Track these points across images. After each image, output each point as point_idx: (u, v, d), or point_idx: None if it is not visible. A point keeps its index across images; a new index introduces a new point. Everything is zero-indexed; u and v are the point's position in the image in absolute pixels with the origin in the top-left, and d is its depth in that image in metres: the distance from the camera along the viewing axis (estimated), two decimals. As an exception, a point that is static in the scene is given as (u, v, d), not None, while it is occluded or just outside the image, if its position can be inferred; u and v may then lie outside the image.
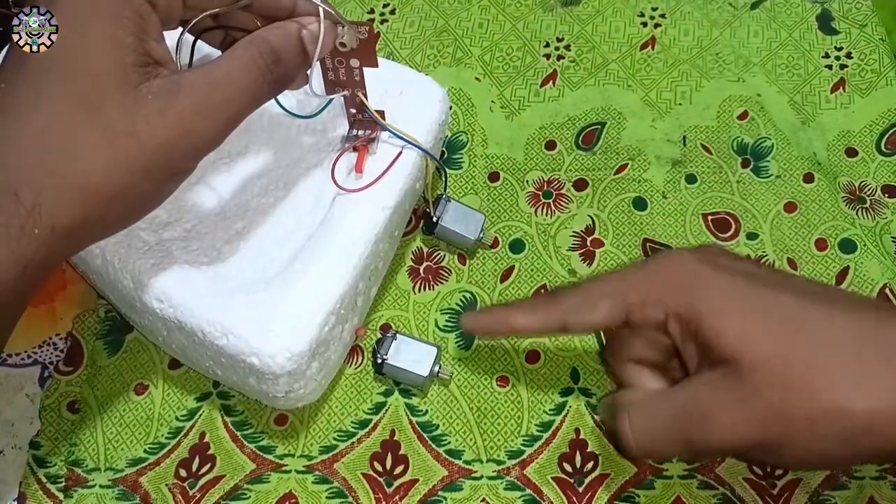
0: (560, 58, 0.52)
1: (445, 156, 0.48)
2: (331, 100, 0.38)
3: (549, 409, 0.40)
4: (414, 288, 0.44)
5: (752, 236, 0.45)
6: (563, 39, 0.53)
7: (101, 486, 0.39)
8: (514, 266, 0.45)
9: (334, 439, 0.40)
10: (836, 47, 0.52)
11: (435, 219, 0.43)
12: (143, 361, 0.42)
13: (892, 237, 0.44)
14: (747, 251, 0.44)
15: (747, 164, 0.47)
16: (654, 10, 0.54)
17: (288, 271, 0.36)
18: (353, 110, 0.39)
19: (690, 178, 0.47)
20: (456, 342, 0.42)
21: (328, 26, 0.33)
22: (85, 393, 0.42)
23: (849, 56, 0.51)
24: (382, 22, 0.54)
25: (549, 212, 0.46)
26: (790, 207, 0.46)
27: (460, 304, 0.43)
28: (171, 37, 0.32)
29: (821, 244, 0.45)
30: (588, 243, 0.45)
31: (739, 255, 0.36)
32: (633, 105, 0.50)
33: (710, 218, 0.46)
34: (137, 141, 0.28)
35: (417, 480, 0.39)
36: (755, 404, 0.30)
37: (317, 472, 0.39)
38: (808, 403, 0.29)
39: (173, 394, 0.41)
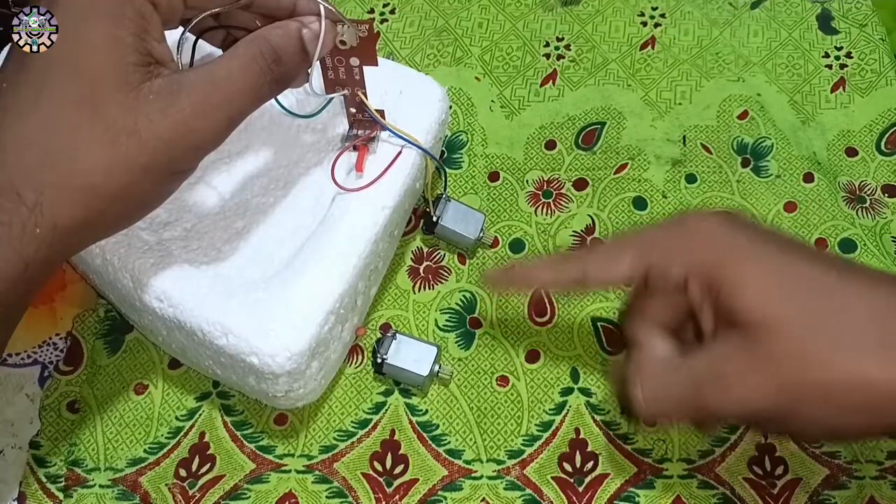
0: (560, 57, 0.52)
1: (445, 155, 0.48)
2: (330, 99, 0.38)
3: (549, 409, 0.40)
4: (414, 288, 0.44)
5: (752, 236, 0.45)
6: (563, 39, 0.53)
7: (100, 486, 0.39)
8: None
9: (334, 439, 0.40)
10: (836, 47, 0.52)
11: (435, 218, 0.43)
12: (143, 361, 0.42)
13: (892, 237, 0.44)
14: (747, 251, 0.44)
15: (747, 164, 0.47)
16: (654, 9, 0.54)
17: (288, 271, 0.36)
18: (353, 109, 0.39)
19: (690, 178, 0.47)
20: (456, 342, 0.42)
21: (328, 25, 0.33)
22: (85, 393, 0.42)
23: (849, 56, 0.51)
24: (382, 21, 0.54)
25: (549, 211, 0.46)
26: (790, 207, 0.46)
27: (460, 303, 0.43)
28: (171, 36, 0.32)
29: (821, 244, 0.45)
30: (588, 243, 0.45)
31: (762, 223, 0.35)
32: (633, 105, 0.50)
33: (710, 217, 0.46)
34: (139, 140, 0.28)
35: (417, 480, 0.39)
36: (772, 370, 0.29)
37: (317, 472, 0.39)
38: (826, 372, 0.28)
39: (173, 394, 0.41)
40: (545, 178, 0.47)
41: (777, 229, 0.34)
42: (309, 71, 0.35)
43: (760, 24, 0.53)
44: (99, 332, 0.43)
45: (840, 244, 0.44)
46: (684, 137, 0.49)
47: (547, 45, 0.53)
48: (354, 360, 0.42)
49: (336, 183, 0.38)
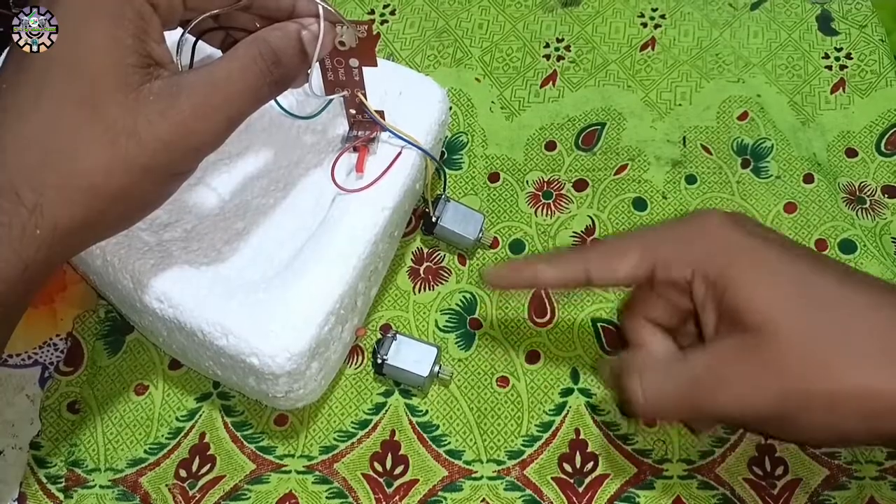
0: (560, 58, 0.52)
1: (445, 156, 0.48)
2: (330, 100, 0.38)
3: (549, 410, 0.40)
4: (414, 288, 0.44)
5: (751, 237, 0.45)
6: (563, 40, 0.53)
7: (101, 487, 0.39)
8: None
9: (334, 439, 0.40)
10: (835, 48, 0.52)
11: (434, 219, 0.43)
12: (144, 362, 0.42)
13: (892, 237, 0.44)
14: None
15: (747, 165, 0.47)
16: (653, 10, 0.54)
17: (288, 271, 0.37)
18: (353, 111, 0.39)
19: (690, 179, 0.47)
20: (456, 342, 0.42)
21: (327, 26, 0.33)
22: (85, 393, 0.42)
23: (848, 57, 0.51)
24: (382, 23, 0.54)
25: (549, 212, 0.46)
26: (790, 208, 0.46)
27: (460, 304, 0.43)
28: (171, 37, 0.32)
29: (821, 245, 0.45)
30: (588, 243, 0.45)
31: (770, 228, 0.35)
32: (633, 106, 0.50)
33: (709, 218, 0.46)
34: (138, 141, 0.28)
35: (417, 481, 0.39)
36: (775, 374, 0.29)
37: (317, 473, 0.39)
38: (830, 381, 0.29)
39: (173, 394, 0.41)
40: (545, 179, 0.47)
41: (782, 234, 0.34)
42: (308, 72, 0.35)
43: (760, 26, 0.53)
44: (99, 333, 0.43)
45: (840, 245, 0.44)
46: (684, 138, 0.49)
47: (547, 46, 0.53)
48: (354, 360, 0.42)
49: (336, 184, 0.38)
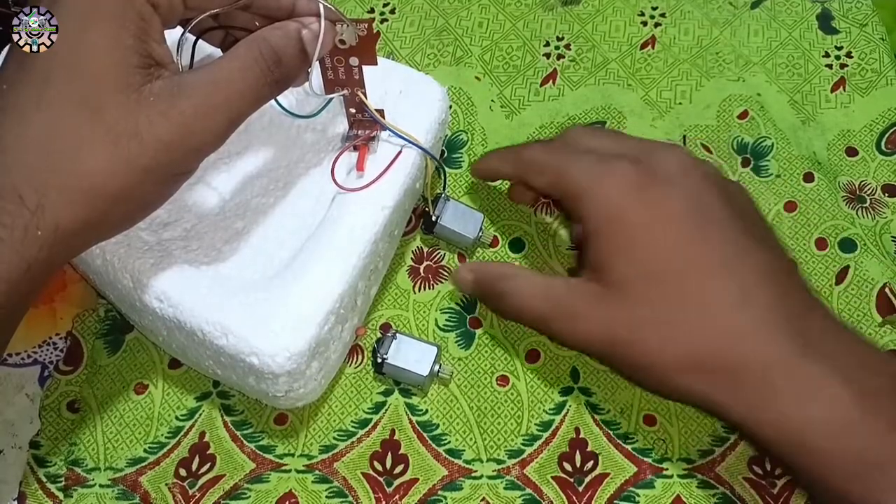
0: (560, 57, 0.52)
1: (445, 155, 0.48)
2: (330, 99, 0.38)
3: (549, 409, 0.40)
4: (414, 287, 0.44)
5: (752, 236, 0.45)
6: (563, 38, 0.53)
7: (100, 486, 0.39)
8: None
9: (334, 439, 0.40)
10: (836, 46, 0.52)
11: (434, 217, 0.43)
12: (143, 361, 0.42)
13: (893, 236, 0.44)
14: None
15: (747, 164, 0.47)
16: (654, 9, 0.54)
17: (288, 271, 0.36)
18: (353, 110, 0.39)
19: (690, 178, 0.47)
20: (456, 341, 0.42)
21: (328, 25, 0.33)
22: (85, 392, 0.42)
23: (849, 55, 0.51)
24: (382, 21, 0.54)
25: (550, 211, 0.46)
26: (790, 207, 0.46)
27: (460, 303, 0.43)
28: (171, 36, 0.32)
29: (821, 243, 0.44)
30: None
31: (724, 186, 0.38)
32: (634, 104, 0.50)
33: (710, 217, 0.46)
34: (140, 142, 0.28)
35: (417, 480, 0.39)
36: (614, 324, 0.35)
37: (317, 472, 0.39)
38: (638, 342, 0.35)
39: (173, 393, 0.41)
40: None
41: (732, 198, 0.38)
42: (309, 71, 0.35)
43: (760, 24, 0.53)
44: (99, 332, 0.43)
45: (840, 244, 0.44)
46: (684, 137, 0.49)
47: (547, 44, 0.53)
48: (354, 359, 0.42)
49: (336, 183, 0.38)
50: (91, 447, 0.40)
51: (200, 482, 0.39)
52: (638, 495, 0.38)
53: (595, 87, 0.51)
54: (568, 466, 0.39)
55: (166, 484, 0.39)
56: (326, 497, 0.39)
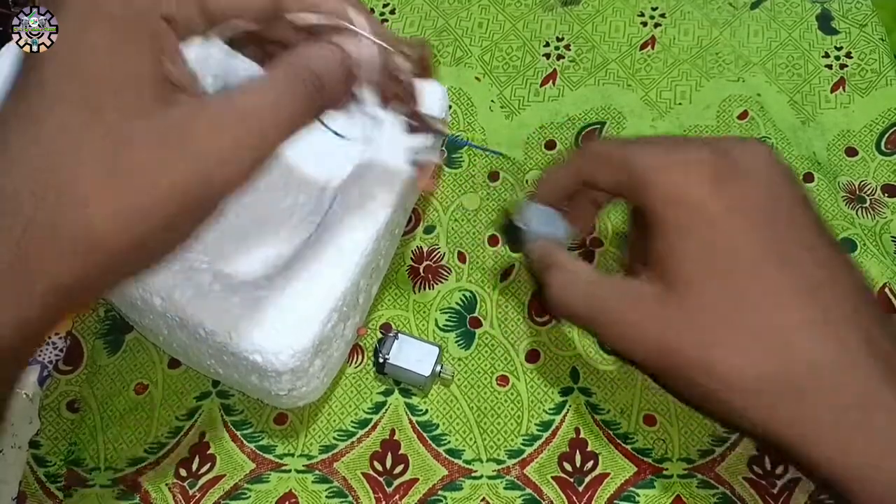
0: (560, 57, 0.52)
1: (446, 155, 0.48)
2: (380, 122, 0.34)
3: (549, 409, 0.40)
4: (414, 287, 0.44)
5: (751, 236, 0.45)
6: (562, 39, 0.53)
7: (100, 486, 0.39)
8: (514, 265, 0.44)
9: (334, 438, 0.40)
10: (836, 47, 0.52)
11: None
12: (143, 361, 0.42)
13: (892, 237, 0.44)
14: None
15: (747, 164, 0.47)
16: (653, 9, 0.54)
17: (290, 268, 0.37)
18: (409, 120, 0.35)
19: (690, 178, 0.47)
20: (456, 341, 0.42)
21: (378, 48, 0.29)
22: (84, 392, 0.41)
23: (849, 56, 0.51)
24: (382, 21, 0.54)
25: (549, 211, 0.46)
26: (790, 207, 0.46)
27: (460, 303, 0.43)
28: (198, 50, 0.28)
29: (821, 244, 0.44)
30: (587, 242, 0.45)
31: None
32: (633, 105, 0.50)
33: (709, 217, 0.46)
34: (152, 186, 0.24)
35: (417, 480, 0.39)
36: (662, 322, 0.31)
37: (317, 472, 0.39)
38: (693, 349, 0.30)
39: (173, 393, 0.41)
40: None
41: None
42: (355, 93, 0.30)
43: (760, 25, 0.53)
44: (99, 332, 0.43)
45: (840, 244, 0.44)
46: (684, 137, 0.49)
47: (547, 45, 0.53)
48: (354, 359, 0.42)
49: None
50: (91, 447, 0.40)
51: (200, 482, 0.39)
52: (638, 495, 0.38)
53: (595, 87, 0.51)
54: (568, 466, 0.39)
55: (166, 484, 0.39)
56: (326, 497, 0.39)
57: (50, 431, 0.41)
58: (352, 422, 0.40)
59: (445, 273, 0.44)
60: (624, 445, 0.39)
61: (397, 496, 0.38)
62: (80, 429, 0.41)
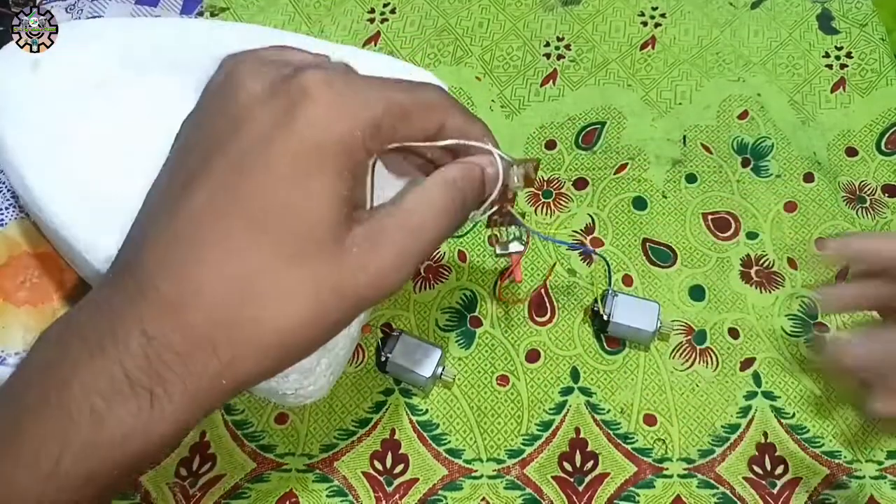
0: (560, 57, 0.52)
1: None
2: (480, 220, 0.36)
3: (549, 409, 0.41)
4: (414, 287, 0.44)
5: (752, 236, 0.45)
6: (563, 39, 0.53)
7: (101, 485, 0.39)
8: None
9: (334, 438, 0.40)
10: (836, 47, 0.52)
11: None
12: (144, 360, 0.42)
13: (892, 237, 0.44)
14: (747, 250, 0.44)
15: (747, 164, 0.47)
16: (654, 9, 0.54)
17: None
18: (496, 217, 0.37)
19: (690, 178, 0.47)
20: (456, 341, 0.42)
21: (504, 167, 0.32)
22: (85, 392, 0.41)
23: (849, 56, 0.51)
24: (383, 21, 0.54)
25: (549, 211, 0.46)
26: (790, 207, 0.46)
27: (461, 302, 0.43)
28: None
29: (821, 243, 0.44)
30: (588, 242, 0.45)
31: None
32: (634, 104, 0.50)
33: (710, 217, 0.46)
34: (340, 297, 0.26)
35: (417, 479, 0.39)
36: None
37: (317, 471, 0.39)
38: None
39: (173, 393, 0.41)
40: (545, 178, 0.47)
41: None
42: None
43: (761, 24, 0.53)
44: (99, 332, 0.43)
45: (840, 244, 0.44)
46: (684, 137, 0.49)
47: (547, 44, 0.53)
48: (355, 358, 0.42)
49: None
50: (91, 447, 0.40)
51: (201, 481, 0.39)
52: (638, 495, 0.38)
53: (595, 87, 0.51)
54: (568, 466, 0.39)
55: (167, 483, 0.39)
56: (327, 496, 0.39)
57: (50, 431, 0.41)
58: (352, 421, 0.40)
59: (446, 272, 0.44)
60: (624, 445, 0.39)
61: (397, 495, 0.39)
62: (81, 428, 0.41)
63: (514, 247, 0.37)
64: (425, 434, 0.40)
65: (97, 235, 0.34)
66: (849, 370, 0.32)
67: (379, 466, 0.39)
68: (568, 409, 0.41)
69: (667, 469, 0.39)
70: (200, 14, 0.56)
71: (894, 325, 0.33)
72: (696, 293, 0.43)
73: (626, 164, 0.48)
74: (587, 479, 0.39)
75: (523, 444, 0.40)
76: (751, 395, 0.40)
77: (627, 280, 0.44)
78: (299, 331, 0.26)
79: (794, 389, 0.40)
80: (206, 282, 0.25)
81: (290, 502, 0.38)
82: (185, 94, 0.31)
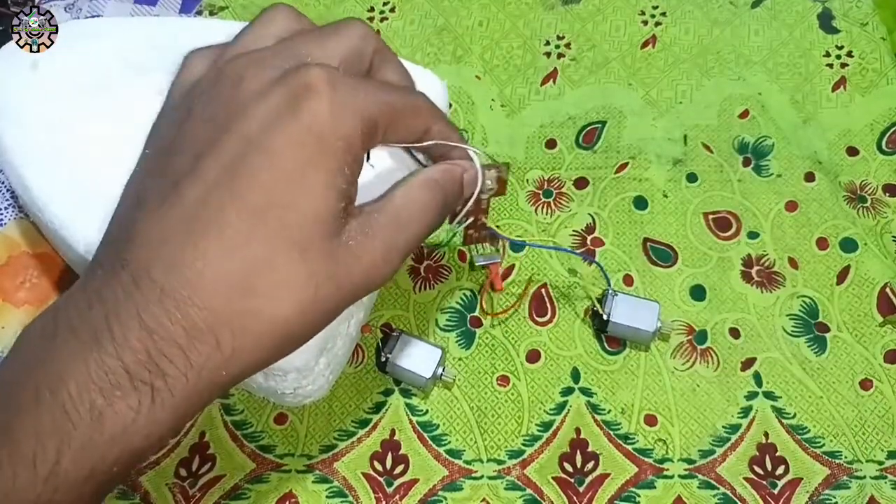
0: (560, 56, 0.52)
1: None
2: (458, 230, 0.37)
3: (550, 409, 0.40)
4: (414, 287, 0.44)
5: (752, 235, 0.45)
6: (563, 37, 0.53)
7: (101, 486, 0.39)
8: (514, 265, 0.44)
9: (334, 438, 0.40)
10: (836, 46, 0.52)
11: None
12: (143, 360, 0.42)
13: (893, 236, 0.44)
14: (748, 250, 0.44)
15: (748, 163, 0.47)
16: (654, 8, 0.54)
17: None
18: (472, 231, 0.37)
19: (691, 177, 0.47)
20: (456, 341, 0.42)
21: (482, 166, 0.33)
22: (85, 392, 0.41)
23: (850, 55, 0.51)
24: (383, 20, 0.54)
25: (550, 211, 0.46)
26: (791, 206, 0.46)
27: (461, 302, 0.43)
28: None
29: (822, 243, 0.44)
30: (588, 242, 0.45)
31: None
32: (634, 104, 0.50)
33: (710, 217, 0.46)
34: (336, 287, 0.27)
35: (417, 480, 0.39)
36: None
37: (317, 472, 0.39)
38: None
39: (173, 393, 0.41)
40: (545, 178, 0.47)
41: None
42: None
43: (761, 23, 0.53)
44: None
45: (841, 244, 0.44)
46: (685, 136, 0.49)
47: (547, 43, 0.53)
48: (355, 359, 0.42)
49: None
50: (91, 447, 0.40)
51: (201, 482, 0.39)
52: (639, 496, 0.38)
53: (595, 86, 0.51)
54: (568, 467, 0.39)
55: (167, 484, 0.39)
56: (326, 497, 0.39)
57: (50, 431, 0.41)
58: (352, 421, 0.40)
59: (446, 272, 0.44)
60: (625, 446, 0.39)
61: (397, 496, 0.38)
62: (80, 429, 0.41)
63: (491, 258, 0.38)
64: (425, 434, 0.40)
65: (97, 235, 0.34)
66: None
67: (379, 467, 0.39)
68: (568, 410, 0.40)
69: (667, 469, 0.39)
70: (199, 13, 0.56)
71: None
72: (697, 293, 0.43)
73: (627, 163, 0.48)
74: (588, 480, 0.39)
75: (524, 444, 0.40)
76: (752, 396, 0.40)
77: (628, 280, 0.44)
78: (298, 321, 0.27)
79: (794, 389, 0.40)
80: (206, 274, 0.25)
81: (289, 503, 0.38)
82: None
